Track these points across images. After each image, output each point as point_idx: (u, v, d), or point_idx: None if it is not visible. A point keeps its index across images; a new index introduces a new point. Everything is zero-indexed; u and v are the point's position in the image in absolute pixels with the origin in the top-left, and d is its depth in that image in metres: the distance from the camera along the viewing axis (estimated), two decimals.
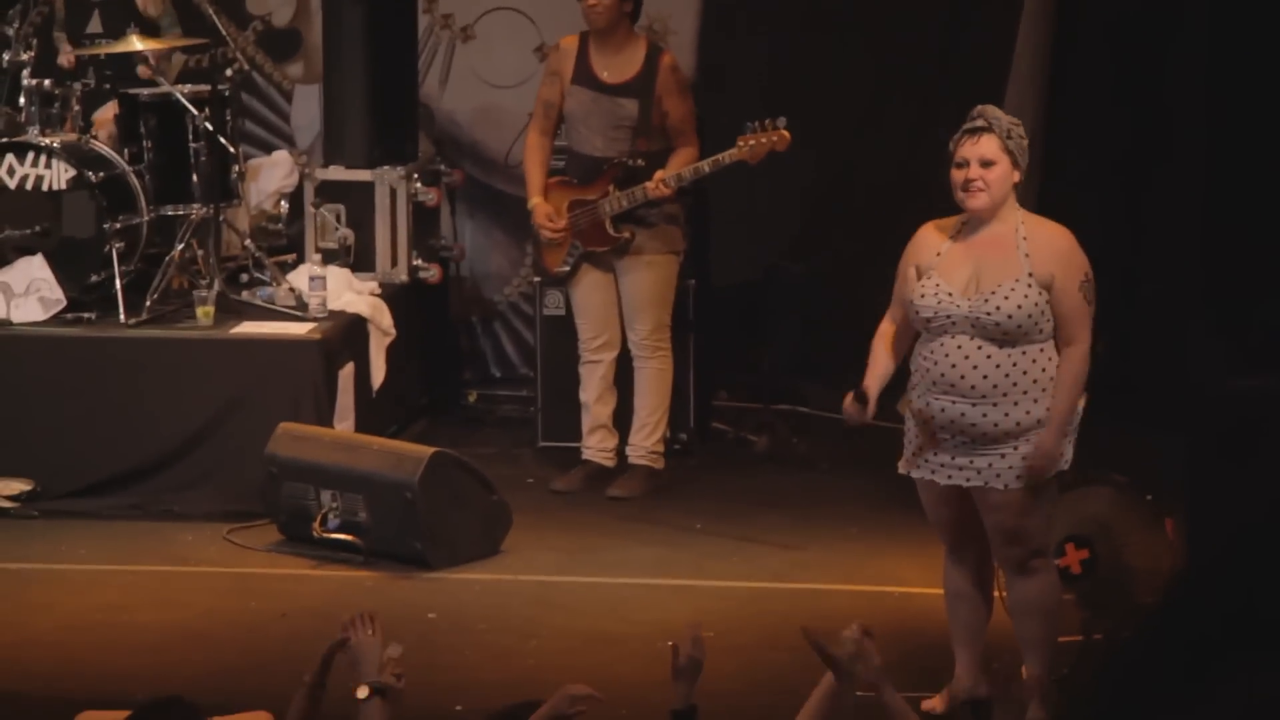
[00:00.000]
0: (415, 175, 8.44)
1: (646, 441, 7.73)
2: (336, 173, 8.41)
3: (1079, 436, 5.42)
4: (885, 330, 5.53)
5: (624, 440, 7.78)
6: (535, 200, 7.72)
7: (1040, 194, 8.11)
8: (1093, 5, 8.36)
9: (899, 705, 4.39)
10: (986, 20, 8.61)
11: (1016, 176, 5.37)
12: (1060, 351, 5.35)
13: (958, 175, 5.36)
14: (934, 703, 5.52)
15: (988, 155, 5.34)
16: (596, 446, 7.79)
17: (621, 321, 7.74)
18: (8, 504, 7.38)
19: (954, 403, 5.34)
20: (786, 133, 7.31)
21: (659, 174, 7.51)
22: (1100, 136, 8.49)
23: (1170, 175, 8.30)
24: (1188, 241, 8.21)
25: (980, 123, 5.37)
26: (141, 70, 8.21)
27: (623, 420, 7.79)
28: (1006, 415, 5.32)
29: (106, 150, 7.92)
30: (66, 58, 8.20)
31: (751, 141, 7.34)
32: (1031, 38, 8.39)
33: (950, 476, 5.40)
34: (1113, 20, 8.47)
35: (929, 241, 5.44)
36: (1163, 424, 6.85)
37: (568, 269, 7.74)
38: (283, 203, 8.55)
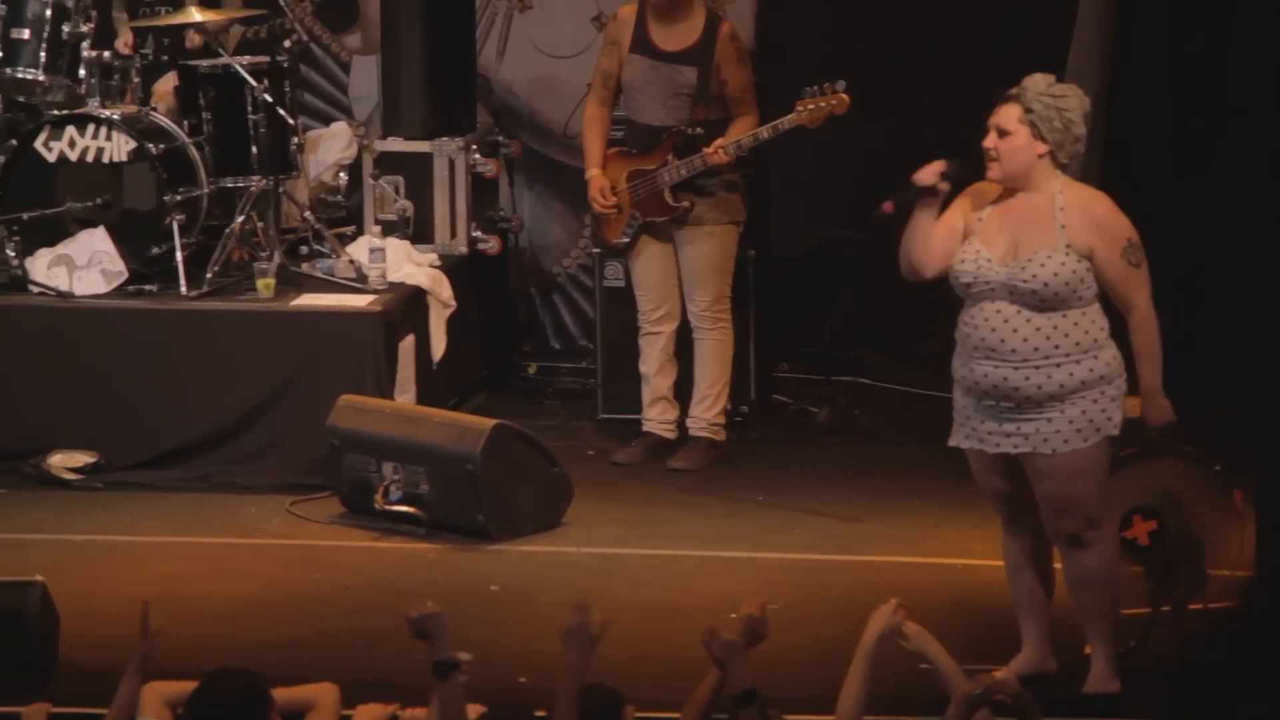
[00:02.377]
0: (474, 146, 8.45)
1: (708, 413, 7.72)
2: (395, 144, 8.43)
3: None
4: None
5: (685, 412, 7.78)
6: (593, 171, 7.73)
7: (1105, 157, 8.08)
8: None
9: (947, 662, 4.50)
10: None
11: (1041, 148, 5.38)
12: (1127, 319, 5.37)
13: (983, 141, 5.44)
14: (1001, 674, 5.50)
15: (1004, 125, 5.40)
16: (657, 418, 7.80)
17: (681, 293, 7.74)
18: (72, 476, 7.44)
19: (996, 367, 5.38)
20: (845, 96, 7.30)
21: (718, 141, 7.50)
22: (1164, 98, 8.43)
23: (1236, 136, 8.24)
24: (1254, 205, 8.15)
25: (1012, 91, 5.42)
26: (191, 37, 8.21)
27: (683, 392, 7.79)
28: (1050, 378, 5.35)
29: (166, 122, 7.95)
30: (124, 41, 8.21)
31: (810, 106, 7.33)
32: (1093, 3, 8.34)
33: (998, 444, 5.43)
34: None
35: (975, 201, 5.48)
36: (1231, 392, 6.81)
37: (627, 240, 7.74)
38: (341, 174, 8.57)
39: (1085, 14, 8.36)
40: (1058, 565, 5.65)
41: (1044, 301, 5.36)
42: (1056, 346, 5.37)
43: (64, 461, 7.47)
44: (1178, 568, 5.77)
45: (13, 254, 7.81)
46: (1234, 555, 5.72)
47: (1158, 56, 8.42)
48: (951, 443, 5.57)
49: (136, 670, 4.76)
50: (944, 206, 5.51)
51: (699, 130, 7.58)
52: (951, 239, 5.45)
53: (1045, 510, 5.49)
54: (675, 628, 6.00)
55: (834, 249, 8.75)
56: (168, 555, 6.76)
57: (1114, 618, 5.56)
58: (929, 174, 5.44)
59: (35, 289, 7.72)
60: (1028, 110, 5.38)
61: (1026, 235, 5.39)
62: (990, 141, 5.42)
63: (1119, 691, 5.51)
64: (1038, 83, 5.44)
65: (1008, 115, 5.41)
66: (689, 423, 7.77)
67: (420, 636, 4.44)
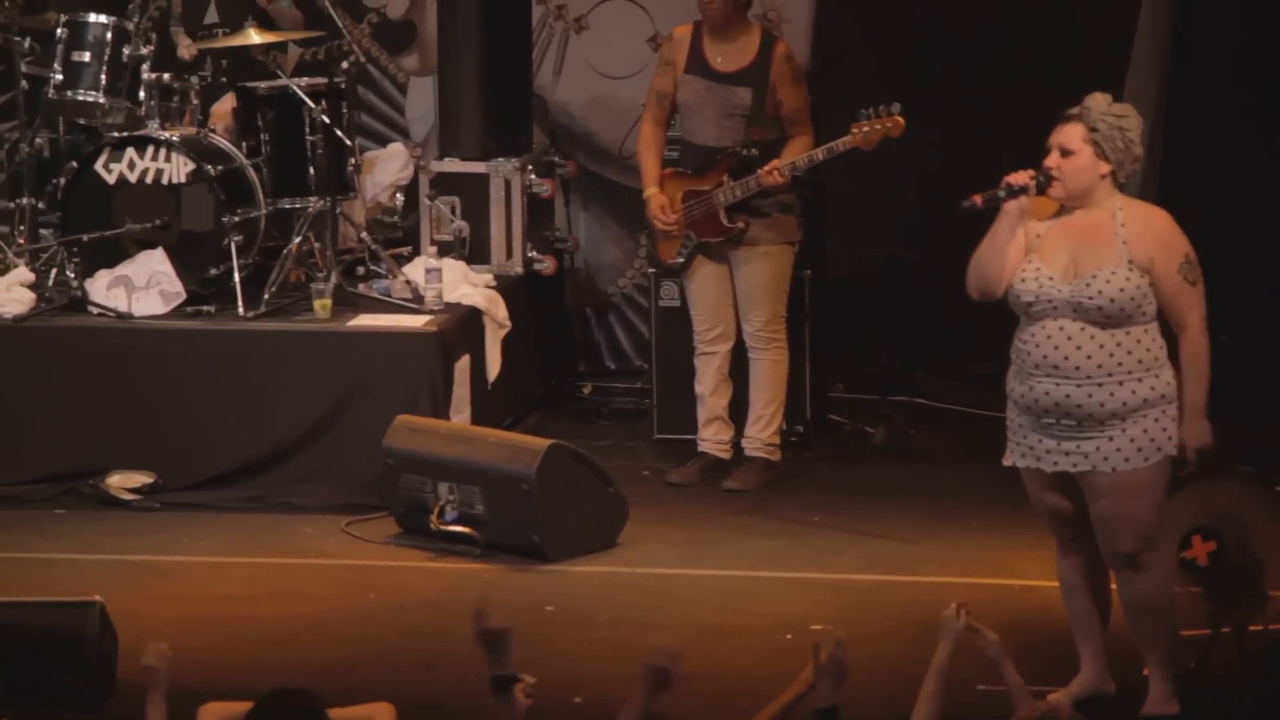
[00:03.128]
0: (529, 167, 8.48)
1: (763, 433, 7.71)
2: (451, 165, 8.46)
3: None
4: None
5: (740, 432, 7.77)
6: (650, 191, 7.73)
7: (1162, 178, 8.04)
8: None
9: (1016, 680, 4.52)
10: (1105, 4, 8.55)
11: (1104, 168, 5.37)
12: (1178, 336, 5.35)
13: (1045, 160, 5.41)
14: (1059, 696, 5.47)
15: (1067, 144, 5.38)
16: (712, 438, 7.79)
17: (736, 313, 7.74)
18: (130, 496, 7.48)
19: (1058, 385, 5.35)
20: (901, 118, 7.29)
21: (773, 162, 7.50)
22: (1223, 120, 8.39)
23: None
24: None
25: (1074, 110, 5.41)
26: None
27: (738, 412, 7.78)
28: (1113, 395, 5.33)
29: (225, 144, 8.00)
30: (187, 50, 8.29)
31: (865, 128, 7.32)
32: (1151, 23, 8.32)
33: (1057, 463, 5.40)
34: (1234, 6, 8.37)
35: (1032, 217, 5.45)
36: None
37: (682, 260, 7.74)
38: (398, 195, 8.61)
39: (1143, 33, 8.32)
40: (1114, 586, 5.61)
41: (1109, 318, 5.34)
42: (1120, 364, 5.34)
43: (122, 482, 7.51)
44: (1238, 589, 5.72)
45: (72, 275, 7.87)
46: None
47: (1216, 77, 8.38)
48: (1006, 462, 5.55)
49: (160, 696, 4.74)
50: (991, 218, 5.49)
51: (754, 151, 7.57)
52: (1020, 256, 5.44)
53: (1100, 530, 5.45)
54: (731, 648, 5.99)
55: (889, 269, 8.74)
56: (224, 575, 6.79)
57: (1171, 640, 5.52)
58: (1022, 176, 5.41)
59: (94, 310, 7.77)
60: (1092, 130, 5.37)
61: (1087, 251, 5.37)
62: (1053, 161, 5.39)
63: (1178, 713, 5.47)
64: (1099, 102, 5.43)
65: (1071, 135, 5.39)
66: (744, 443, 7.76)
67: (487, 647, 4.43)
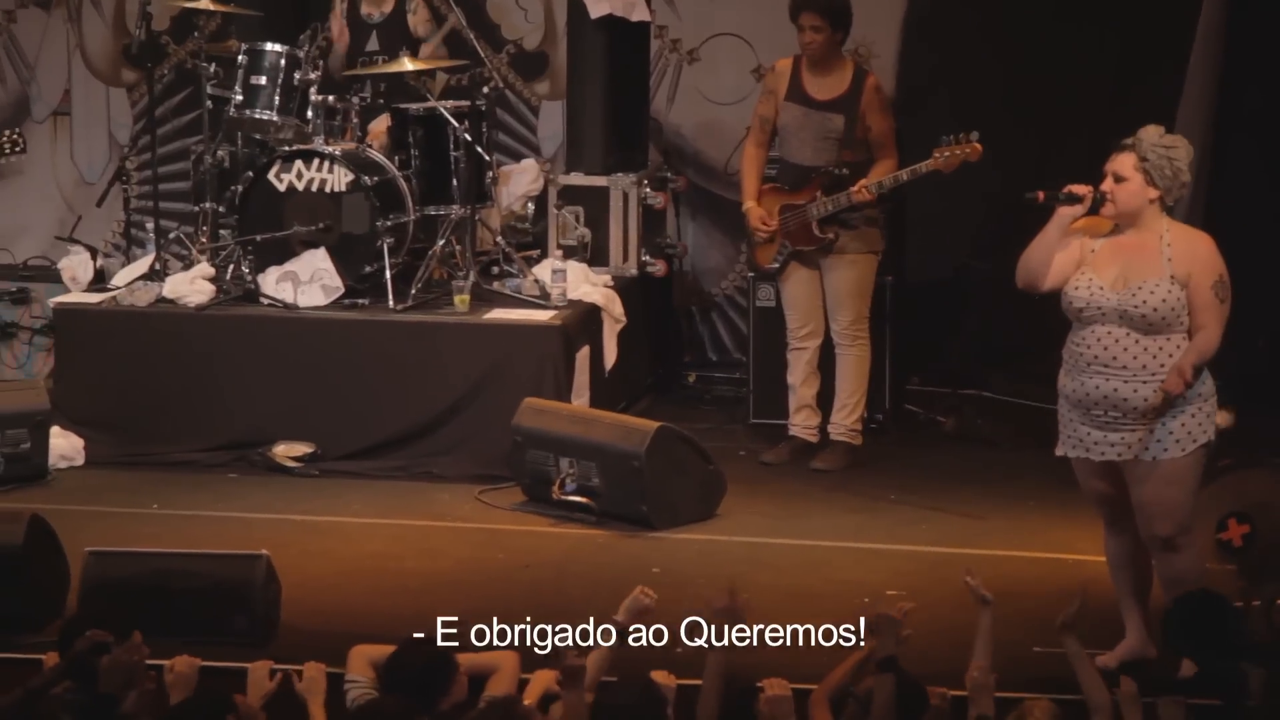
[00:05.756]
0: (645, 181, 8.51)
1: (846, 420, 7.72)
2: (577, 179, 8.51)
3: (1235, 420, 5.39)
4: None
5: (826, 418, 7.78)
6: (750, 204, 7.75)
7: (1209, 202, 7.96)
8: (1265, 32, 8.18)
9: (1079, 651, 4.58)
10: (1159, 48, 8.46)
11: (1153, 193, 5.34)
12: (1193, 335, 5.33)
13: (1100, 185, 5.39)
14: (1106, 659, 5.46)
15: (1120, 171, 5.37)
16: (801, 424, 7.80)
17: (825, 313, 7.74)
18: (293, 464, 7.58)
19: (1107, 380, 5.34)
20: (979, 145, 7.26)
21: (861, 181, 7.49)
22: (1268, 147, 8.29)
23: None
24: None
25: (1128, 141, 5.38)
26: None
27: (825, 401, 7.79)
28: (1155, 391, 5.29)
29: (380, 157, 8.08)
30: (336, 30, 8.35)
31: (946, 152, 7.30)
32: (1202, 58, 8.24)
33: (1103, 453, 5.39)
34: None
35: (1089, 235, 5.44)
36: None
37: (778, 265, 7.76)
38: (529, 204, 8.66)
39: (1195, 68, 8.24)
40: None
41: (1150, 325, 5.32)
42: (1162, 365, 5.33)
43: (286, 451, 7.61)
44: (1268, 567, 5.68)
45: (246, 270, 7.98)
46: None
47: (1263, 110, 8.28)
48: (1058, 453, 5.54)
49: (320, 703, 4.86)
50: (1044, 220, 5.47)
51: (845, 171, 7.57)
52: (1069, 264, 5.43)
53: (1140, 515, 5.43)
54: (814, 610, 5.99)
55: (962, 276, 8.70)
56: (373, 534, 6.87)
57: None
58: (1083, 188, 5.41)
59: (265, 301, 7.88)
60: (1142, 159, 5.35)
61: (1135, 266, 5.36)
62: (1107, 185, 5.38)
63: None
64: (1151, 134, 5.40)
65: (1124, 163, 5.37)
66: (830, 428, 7.76)
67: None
